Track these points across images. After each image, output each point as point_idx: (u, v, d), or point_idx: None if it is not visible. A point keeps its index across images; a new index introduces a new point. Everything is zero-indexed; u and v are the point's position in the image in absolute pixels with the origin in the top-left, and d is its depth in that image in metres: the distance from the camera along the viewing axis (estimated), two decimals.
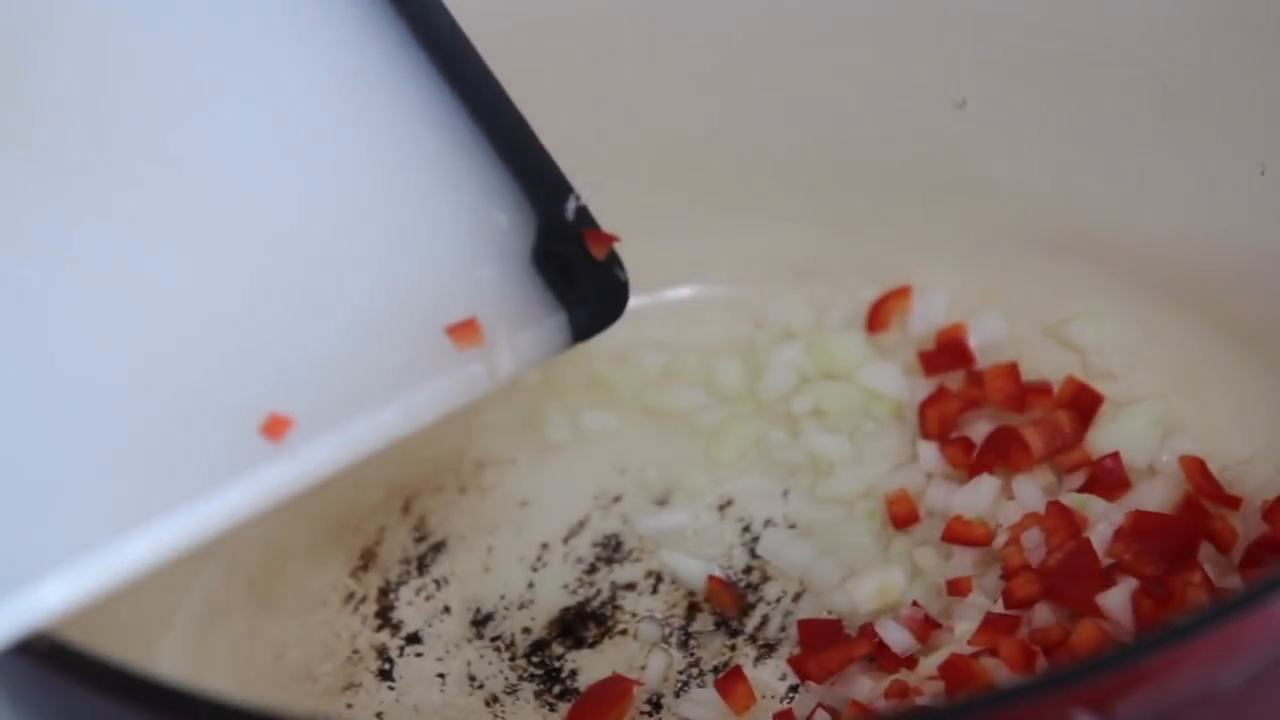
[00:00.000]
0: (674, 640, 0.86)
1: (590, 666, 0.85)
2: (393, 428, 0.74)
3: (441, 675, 0.86)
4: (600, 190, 0.82)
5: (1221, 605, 0.56)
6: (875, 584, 0.85)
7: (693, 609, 0.87)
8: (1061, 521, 0.83)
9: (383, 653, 0.86)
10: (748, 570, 0.88)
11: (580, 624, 0.87)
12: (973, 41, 0.91)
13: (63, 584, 0.64)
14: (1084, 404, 0.89)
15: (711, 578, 0.88)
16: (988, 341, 0.93)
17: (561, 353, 0.80)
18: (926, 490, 0.89)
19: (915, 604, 0.83)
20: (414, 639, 0.87)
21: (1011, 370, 0.91)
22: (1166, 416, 0.88)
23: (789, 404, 0.94)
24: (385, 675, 0.86)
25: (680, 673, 0.85)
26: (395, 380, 0.74)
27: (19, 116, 0.74)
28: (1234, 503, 0.84)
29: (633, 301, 0.82)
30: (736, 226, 0.98)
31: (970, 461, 0.88)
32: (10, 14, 0.75)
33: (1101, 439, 0.88)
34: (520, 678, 0.85)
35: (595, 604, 0.88)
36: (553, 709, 0.84)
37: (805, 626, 0.85)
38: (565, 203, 0.81)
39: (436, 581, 0.90)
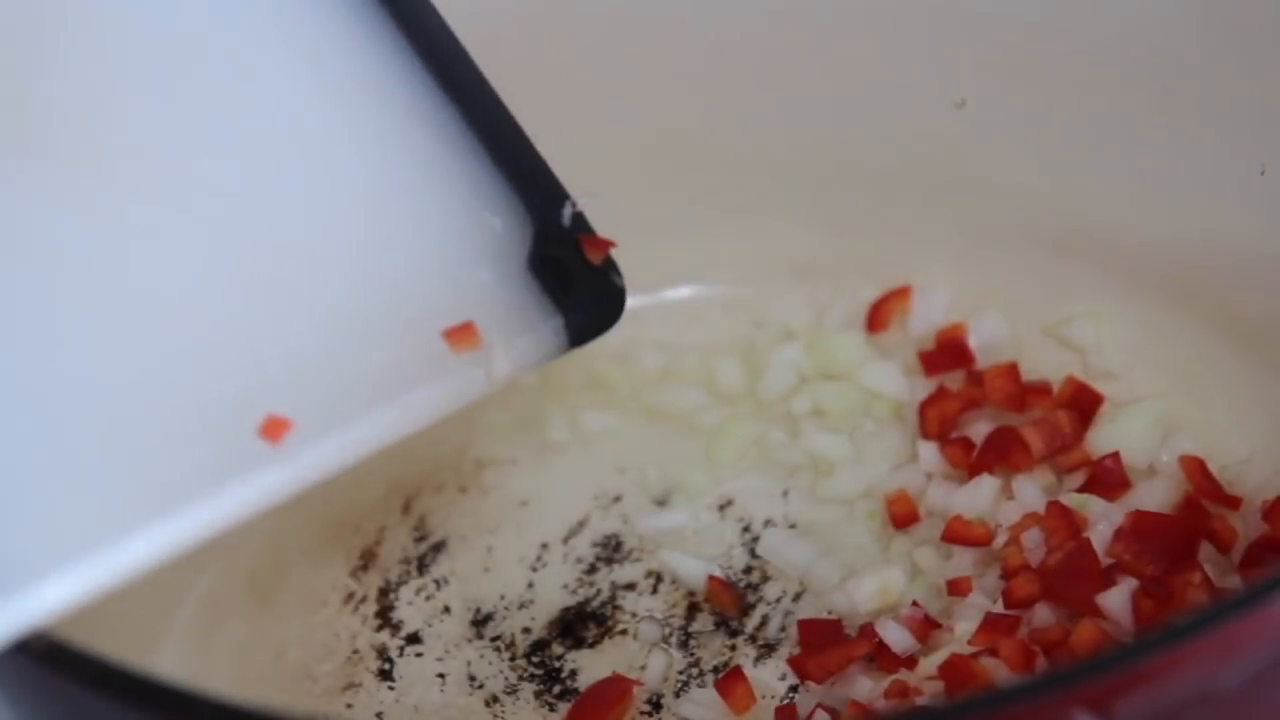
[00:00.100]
0: (674, 640, 0.86)
1: (590, 666, 0.85)
2: (390, 429, 0.74)
3: (441, 675, 0.86)
4: (595, 198, 0.82)
5: (1221, 605, 0.56)
6: (875, 584, 0.85)
7: (693, 609, 0.87)
8: (1061, 521, 0.83)
9: (383, 653, 0.86)
10: (748, 570, 0.88)
11: (580, 624, 0.87)
12: (973, 41, 0.91)
13: (63, 584, 0.64)
14: (1084, 404, 0.89)
15: (711, 578, 0.88)
16: (988, 341, 0.93)
17: (558, 357, 0.80)
18: (926, 490, 0.89)
19: (915, 604, 0.83)
20: (414, 639, 0.87)
21: (1011, 370, 0.91)
22: (1166, 416, 0.88)
23: (789, 404, 0.94)
24: (385, 675, 0.86)
25: (680, 673, 0.85)
26: (392, 383, 0.75)
27: (15, 121, 0.74)
28: (1234, 503, 0.84)
29: (632, 301, 0.82)
30: (736, 226, 0.98)
31: (970, 461, 0.88)
32: (9, 20, 0.75)
33: (1101, 439, 0.88)
34: (520, 678, 0.85)
35: (595, 604, 0.88)
36: (553, 709, 0.84)
37: (805, 626, 0.85)
38: (561, 208, 0.81)
39: (436, 581, 0.90)
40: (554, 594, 0.88)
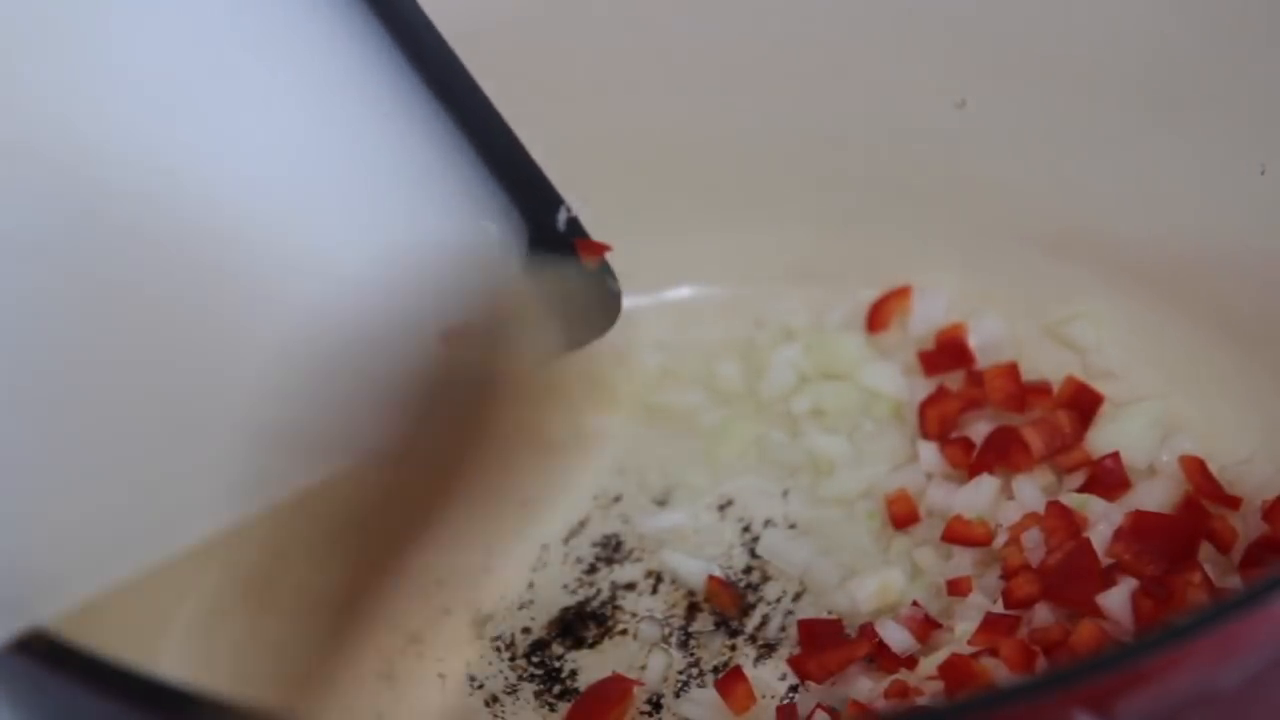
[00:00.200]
0: (674, 640, 0.86)
1: (590, 666, 0.85)
2: (389, 428, 0.74)
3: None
4: (595, 198, 0.82)
5: (1221, 605, 0.56)
6: (875, 584, 0.85)
7: (693, 609, 0.87)
8: (1061, 521, 0.83)
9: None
10: (748, 570, 0.89)
11: (580, 624, 0.87)
12: (973, 41, 0.91)
13: (63, 584, 0.64)
14: (1084, 404, 0.89)
15: (711, 578, 0.88)
16: (988, 341, 0.93)
17: (553, 362, 0.80)
18: (926, 490, 0.89)
19: (915, 604, 0.84)
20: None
21: (1011, 370, 0.91)
22: (1166, 416, 0.88)
23: (789, 404, 0.94)
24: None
25: (680, 673, 0.85)
26: (389, 385, 0.75)
27: (14, 124, 0.74)
28: (1234, 503, 0.84)
29: (631, 302, 0.82)
30: (736, 226, 0.98)
31: (970, 461, 0.88)
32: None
33: (1101, 439, 0.88)
34: (520, 678, 0.85)
35: (595, 604, 0.88)
36: (553, 709, 0.84)
37: (805, 626, 0.85)
38: (556, 213, 0.81)
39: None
40: (554, 594, 0.88)
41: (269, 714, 0.57)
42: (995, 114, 0.92)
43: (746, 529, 0.90)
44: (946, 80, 0.92)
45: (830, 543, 0.88)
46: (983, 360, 0.93)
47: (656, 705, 0.84)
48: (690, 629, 0.87)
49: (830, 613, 0.86)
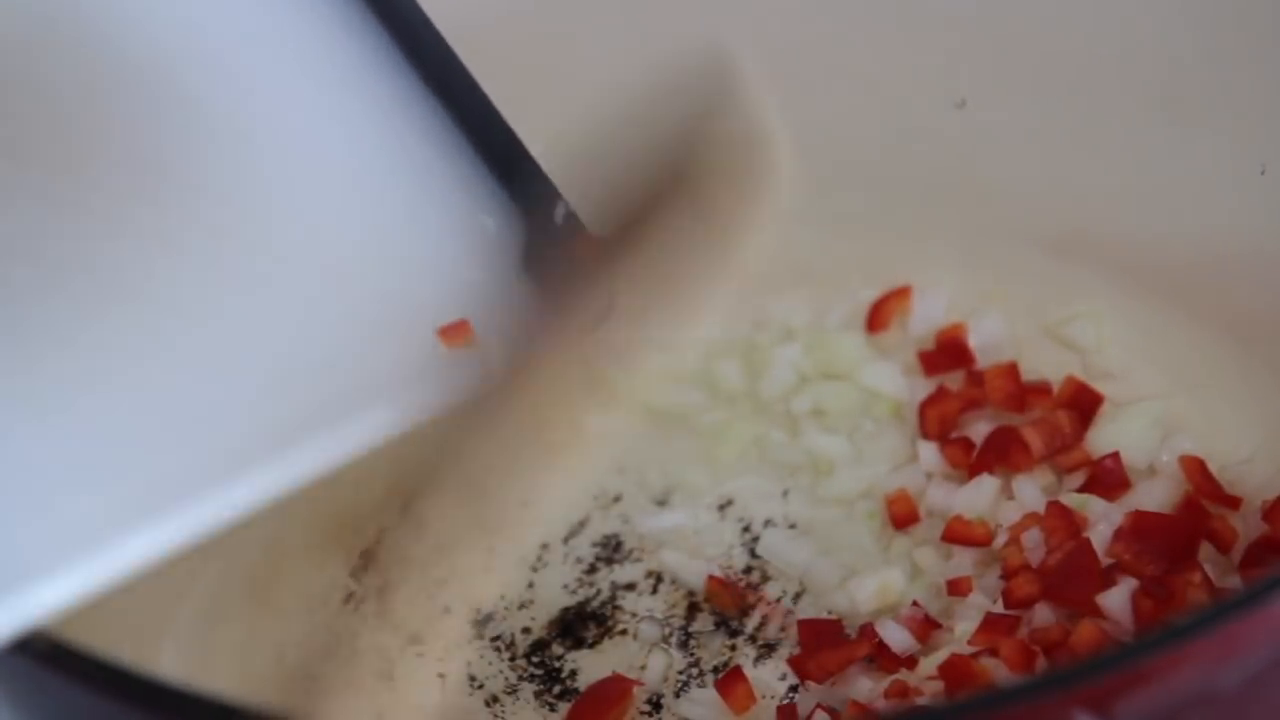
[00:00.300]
0: (674, 640, 0.86)
1: (590, 666, 0.85)
2: (387, 427, 0.74)
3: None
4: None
5: (1221, 605, 0.56)
6: (875, 584, 0.85)
7: (693, 609, 0.87)
8: (1061, 521, 0.83)
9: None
10: (748, 570, 0.88)
11: (580, 624, 0.87)
12: (973, 41, 0.91)
13: (63, 584, 0.64)
14: (1084, 404, 0.89)
15: (711, 578, 0.88)
16: (988, 341, 0.93)
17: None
18: (926, 490, 0.89)
19: (915, 604, 0.83)
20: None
21: (1011, 370, 0.91)
22: (1166, 416, 0.88)
23: (789, 404, 0.94)
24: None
25: (680, 673, 0.85)
26: (388, 381, 0.75)
27: (11, 126, 0.74)
28: (1234, 503, 0.84)
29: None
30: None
31: (970, 461, 0.88)
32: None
33: (1101, 439, 0.88)
34: (520, 678, 0.85)
35: (595, 604, 0.88)
36: (553, 709, 0.84)
37: (805, 626, 0.85)
38: (554, 208, 0.81)
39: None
40: (554, 594, 0.88)
41: (269, 714, 0.57)
42: (995, 114, 0.92)
43: (746, 529, 0.90)
44: (946, 80, 0.92)
45: (830, 543, 0.88)
46: (983, 360, 0.93)
47: (656, 705, 0.84)
48: (690, 629, 0.87)
49: (830, 613, 0.86)
